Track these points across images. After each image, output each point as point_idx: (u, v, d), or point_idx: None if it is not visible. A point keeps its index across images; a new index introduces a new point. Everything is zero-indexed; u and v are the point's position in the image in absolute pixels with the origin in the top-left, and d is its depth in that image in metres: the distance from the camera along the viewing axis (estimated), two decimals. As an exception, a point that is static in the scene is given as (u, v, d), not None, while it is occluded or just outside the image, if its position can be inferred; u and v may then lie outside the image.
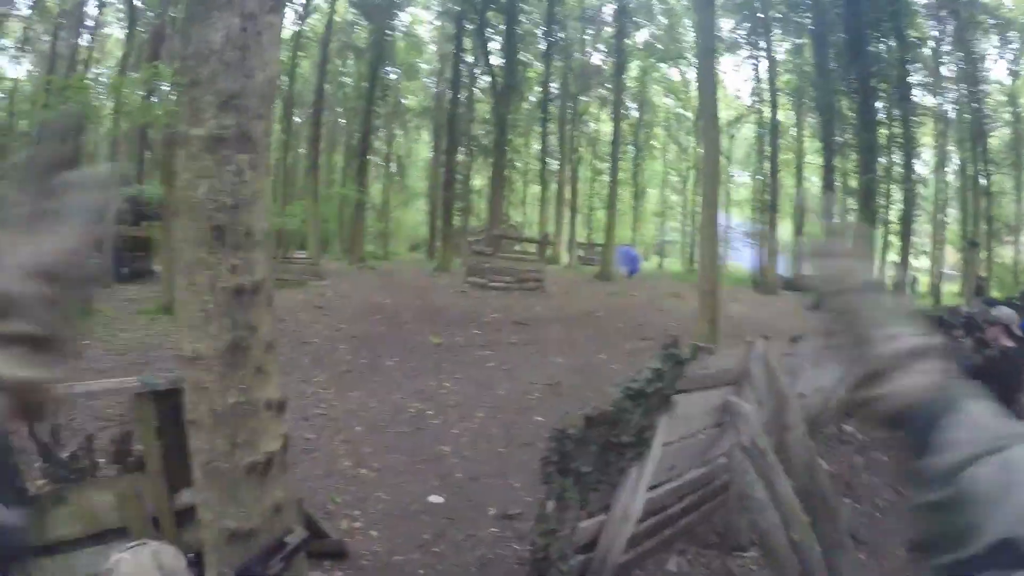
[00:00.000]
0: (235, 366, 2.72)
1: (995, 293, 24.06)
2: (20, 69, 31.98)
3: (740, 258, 40.78)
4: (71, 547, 3.72)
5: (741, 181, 49.14)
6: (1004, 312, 7.15)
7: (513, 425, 8.81)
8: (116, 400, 5.32)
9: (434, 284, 22.47)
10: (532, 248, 25.84)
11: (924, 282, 37.29)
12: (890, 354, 0.91)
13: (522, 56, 33.12)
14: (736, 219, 45.11)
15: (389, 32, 33.11)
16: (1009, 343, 6.65)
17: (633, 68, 38.95)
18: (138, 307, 15.37)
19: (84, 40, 31.45)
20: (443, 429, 8.54)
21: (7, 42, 30.58)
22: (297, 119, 38.20)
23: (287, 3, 30.87)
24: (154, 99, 20.09)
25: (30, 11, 29.41)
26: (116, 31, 33.05)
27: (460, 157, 35.70)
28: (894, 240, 28.38)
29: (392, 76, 37.52)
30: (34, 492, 3.74)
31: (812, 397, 8.04)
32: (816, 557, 4.86)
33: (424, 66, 42.67)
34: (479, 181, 42.97)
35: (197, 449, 2.81)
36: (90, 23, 31.11)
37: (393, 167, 46.25)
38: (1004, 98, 34.31)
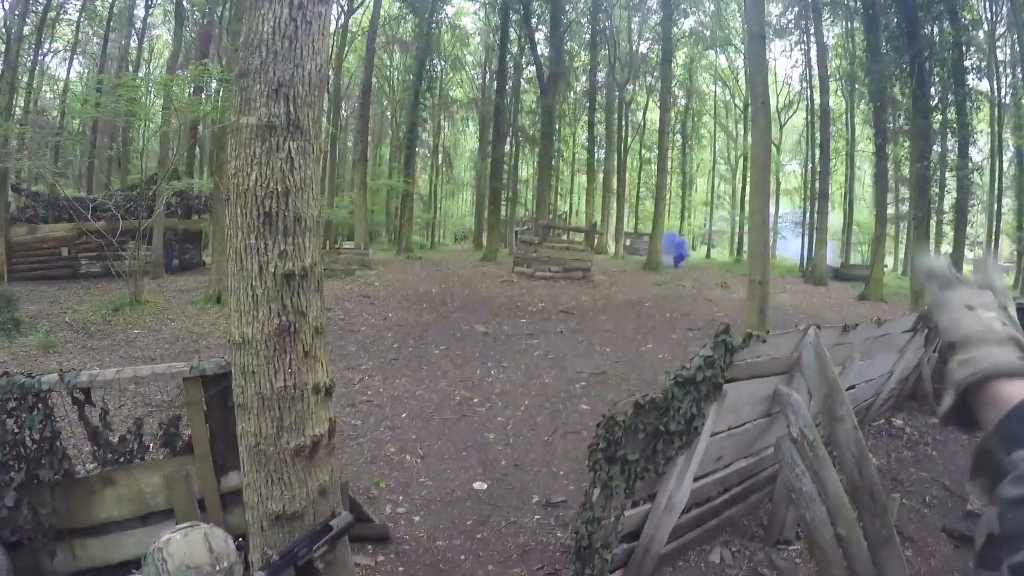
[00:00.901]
0: (283, 350, 2.76)
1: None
2: (72, 71, 33.00)
3: (789, 248, 40.26)
4: (119, 528, 3.84)
5: (791, 169, 48.37)
6: None
7: (559, 414, 8.81)
8: (165, 386, 5.43)
9: (481, 274, 22.55)
10: (579, 238, 25.80)
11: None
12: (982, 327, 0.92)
13: (568, 45, 32.90)
14: (786, 208, 44.54)
15: (435, 24, 33.16)
16: None
17: (680, 56, 38.48)
18: (188, 297, 15.73)
19: (133, 41, 32.25)
20: (488, 417, 8.58)
21: (58, 44, 31.51)
22: (344, 112, 38.59)
23: (334, -2, 31.34)
24: (203, 96, 20.61)
25: (78, 14, 30.16)
26: (164, 32, 33.84)
27: (506, 148, 35.76)
28: (947, 230, 27.64)
29: (438, 68, 37.61)
30: (83, 474, 3.84)
31: (862, 389, 7.90)
32: (862, 553, 4.77)
33: (470, 58, 42.77)
34: (526, 171, 43.03)
35: (244, 432, 2.87)
36: (138, 24, 31.88)
37: (440, 158, 46.46)
38: None
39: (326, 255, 22.74)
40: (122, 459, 3.87)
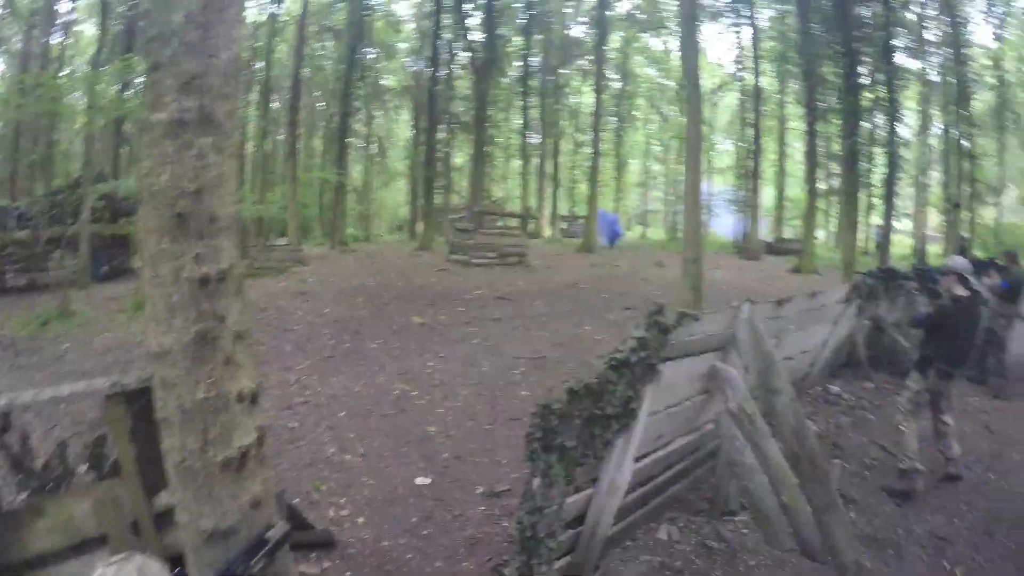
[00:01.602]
0: (202, 359, 2.64)
1: (978, 253, 24.26)
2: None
3: (723, 225, 40.99)
4: (55, 560, 3.61)
5: (724, 148, 49.21)
6: (958, 261, 7.19)
7: (498, 401, 8.81)
8: (95, 403, 5.23)
9: (416, 264, 22.36)
10: (514, 223, 25.81)
11: (908, 244, 37.66)
12: None
13: (501, 30, 32.70)
14: (720, 186, 45.34)
15: (367, 12, 32.56)
16: (962, 292, 6.67)
17: (615, 39, 38.61)
18: (118, 306, 15.20)
19: (56, 38, 30.91)
20: (428, 409, 8.51)
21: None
22: (275, 104, 37.75)
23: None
24: (129, 92, 19.90)
25: (1, 11, 28.87)
26: (89, 27, 32.48)
27: (440, 135, 35.46)
28: (877, 203, 28.53)
29: (370, 56, 37.02)
30: (6, 508, 3.64)
31: (798, 359, 8.08)
32: (807, 518, 4.89)
33: (403, 45, 42.04)
34: (460, 158, 42.78)
35: (169, 448, 2.73)
36: (62, 21, 30.55)
37: (374, 148, 45.83)
38: (988, 62, 34.60)
39: (259, 253, 22.26)
40: (49, 485, 3.69)
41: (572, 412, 3.76)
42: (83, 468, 4.03)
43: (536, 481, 3.65)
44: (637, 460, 4.53)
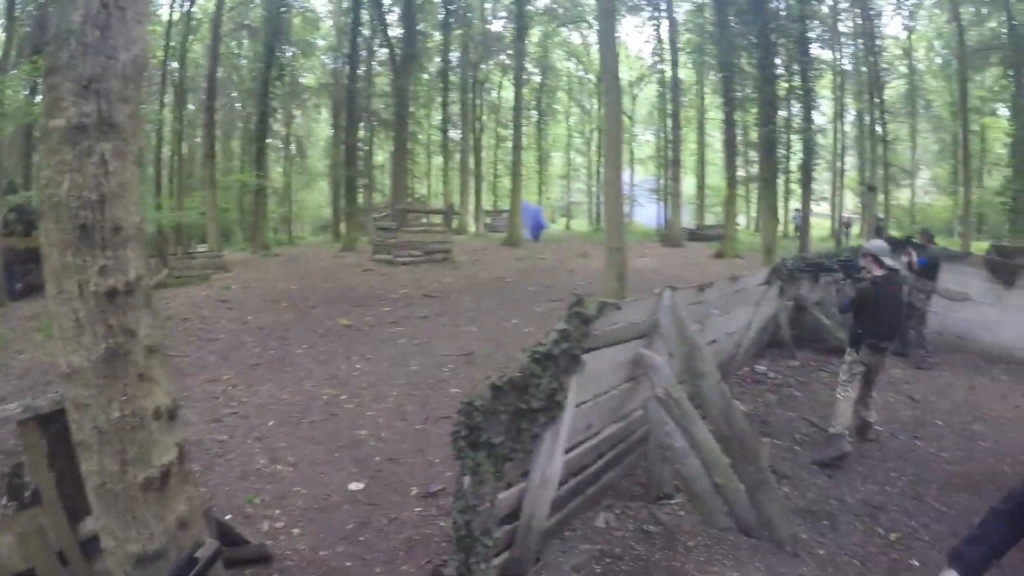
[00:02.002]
0: (115, 377, 2.53)
1: (894, 233, 25.33)
2: None
3: (645, 214, 41.70)
4: None
5: (645, 139, 50.02)
6: (874, 244, 7.55)
7: (428, 401, 8.76)
8: (8, 430, 4.97)
9: (341, 265, 22.09)
10: (438, 220, 25.67)
11: (827, 227, 39.06)
12: None
13: (421, 27, 32.44)
14: (641, 176, 46.06)
15: (284, 8, 31.84)
16: (879, 271, 7.01)
17: (534, 34, 38.84)
18: (35, 324, 14.44)
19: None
20: (358, 413, 8.39)
21: None
22: (191, 106, 36.65)
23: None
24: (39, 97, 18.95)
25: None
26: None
27: (361, 133, 35.03)
28: (795, 188, 29.49)
29: (288, 54, 36.31)
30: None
31: (723, 342, 8.28)
32: (741, 498, 5.01)
33: (321, 42, 41.38)
34: (381, 156, 42.33)
35: (88, 472, 2.61)
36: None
37: (293, 149, 44.91)
38: (899, 52, 36.32)
39: (178, 261, 21.56)
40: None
41: (497, 408, 3.76)
42: (2, 499, 3.84)
43: (466, 480, 3.64)
44: (567, 451, 4.56)
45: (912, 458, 6.86)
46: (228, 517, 5.49)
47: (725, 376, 6.77)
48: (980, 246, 23.35)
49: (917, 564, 4.89)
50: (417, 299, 15.53)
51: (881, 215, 30.72)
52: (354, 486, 6.39)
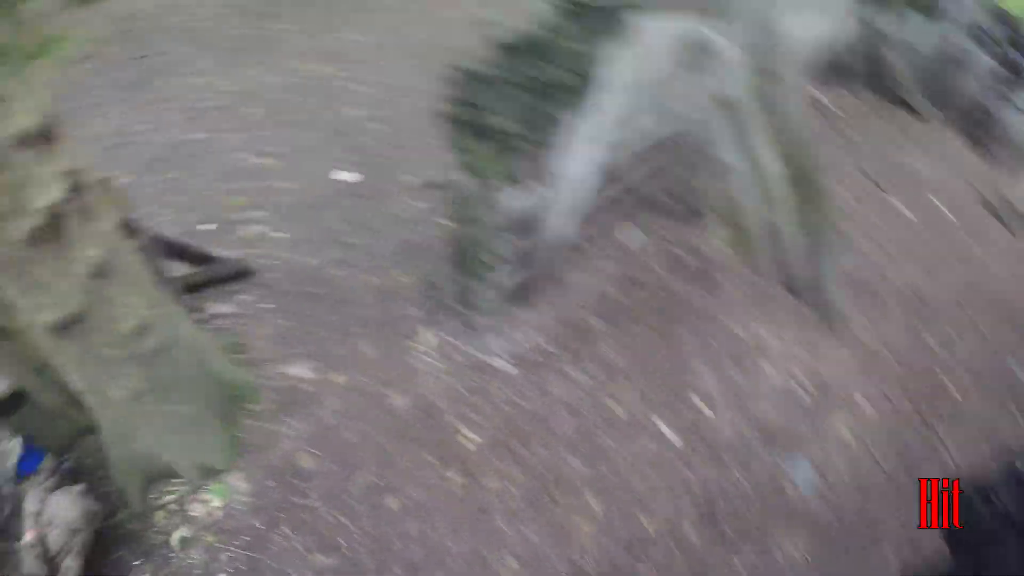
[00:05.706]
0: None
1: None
2: None
3: None
4: None
5: None
6: None
7: (437, 73, 7.52)
8: None
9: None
10: None
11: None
12: None
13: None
14: None
15: None
16: None
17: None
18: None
19: None
20: (355, 91, 7.29)
21: None
22: None
23: None
24: None
25: None
26: None
27: None
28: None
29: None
30: None
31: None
32: (796, 245, 4.13)
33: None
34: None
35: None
36: None
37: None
38: None
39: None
40: None
41: (507, 77, 2.67)
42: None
43: (463, 178, 2.69)
44: (595, 147, 3.56)
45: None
46: (214, 227, 4.97)
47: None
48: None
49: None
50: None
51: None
52: (347, 176, 5.56)
